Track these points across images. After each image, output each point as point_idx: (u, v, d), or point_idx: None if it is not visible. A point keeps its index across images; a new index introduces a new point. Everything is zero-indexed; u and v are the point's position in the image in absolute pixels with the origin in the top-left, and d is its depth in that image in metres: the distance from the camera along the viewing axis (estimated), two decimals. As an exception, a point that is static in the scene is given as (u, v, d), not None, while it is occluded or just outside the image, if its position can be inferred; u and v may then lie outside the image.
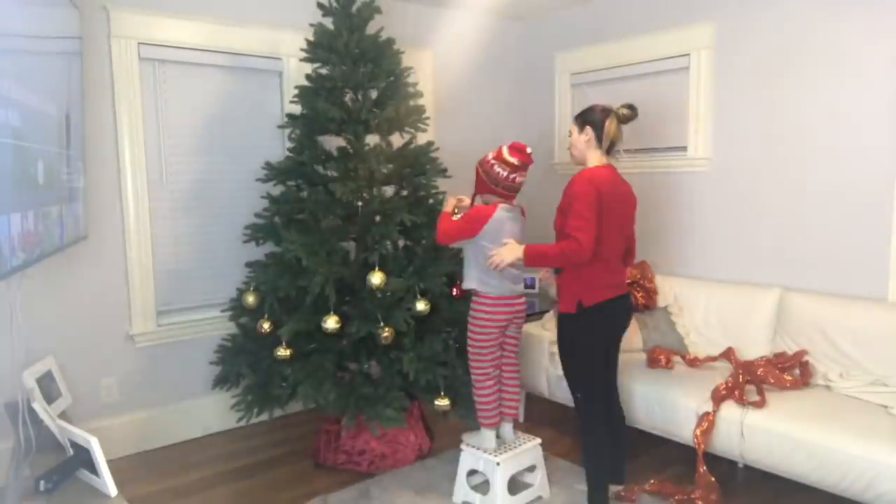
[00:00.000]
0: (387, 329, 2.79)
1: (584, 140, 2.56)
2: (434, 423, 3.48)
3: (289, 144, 3.20)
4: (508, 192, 2.64)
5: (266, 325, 2.91)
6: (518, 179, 2.62)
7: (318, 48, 3.08)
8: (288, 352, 2.82)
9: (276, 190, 3.16)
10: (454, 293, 3.04)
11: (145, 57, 3.27)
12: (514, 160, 2.59)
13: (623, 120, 2.54)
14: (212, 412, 3.55)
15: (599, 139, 2.53)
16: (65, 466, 1.94)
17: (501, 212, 2.62)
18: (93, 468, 1.88)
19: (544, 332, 3.51)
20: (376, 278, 2.80)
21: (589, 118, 2.55)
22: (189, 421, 3.49)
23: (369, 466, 3.07)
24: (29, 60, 1.98)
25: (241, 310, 3.07)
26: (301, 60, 3.21)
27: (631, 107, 2.53)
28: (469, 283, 2.71)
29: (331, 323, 2.79)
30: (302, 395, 2.78)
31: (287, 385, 2.85)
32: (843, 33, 3.09)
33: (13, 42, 1.82)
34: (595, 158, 2.55)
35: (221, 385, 3.09)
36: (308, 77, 3.14)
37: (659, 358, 3.18)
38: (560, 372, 3.34)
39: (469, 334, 2.72)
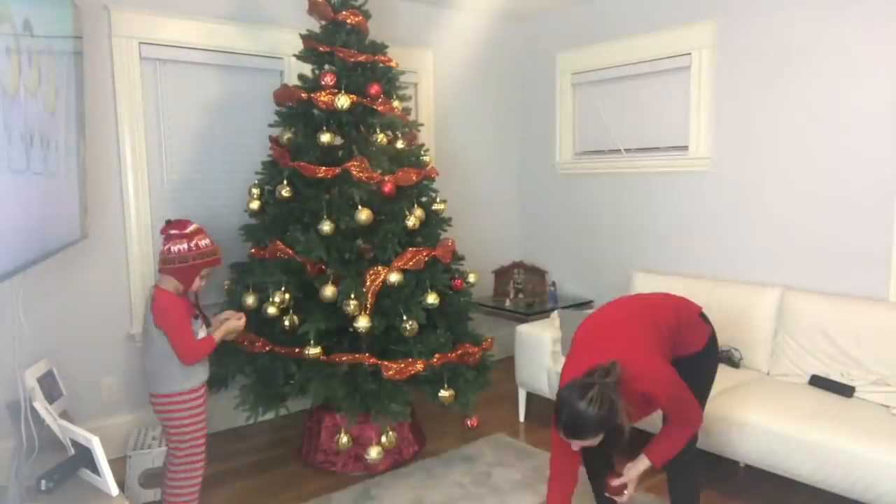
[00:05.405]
0: (409, 322, 2.83)
1: None
2: (427, 425, 3.50)
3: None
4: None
5: (287, 322, 2.87)
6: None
7: (314, 53, 3.12)
8: (318, 349, 2.82)
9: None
10: (455, 286, 3.12)
11: (146, 56, 3.27)
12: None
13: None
14: (211, 412, 3.53)
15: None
16: (66, 466, 1.94)
17: None
18: (94, 467, 1.88)
19: (546, 331, 3.50)
20: (395, 275, 2.83)
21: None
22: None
23: (343, 467, 3.07)
24: (29, 60, 1.98)
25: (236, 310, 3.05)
26: (298, 59, 3.21)
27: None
28: None
29: (363, 322, 2.78)
30: (313, 392, 2.79)
31: (294, 383, 2.87)
32: (844, 33, 3.09)
33: (14, 42, 1.81)
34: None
35: (214, 387, 3.08)
36: (302, 78, 3.15)
37: None
38: (560, 370, 3.33)
39: None
